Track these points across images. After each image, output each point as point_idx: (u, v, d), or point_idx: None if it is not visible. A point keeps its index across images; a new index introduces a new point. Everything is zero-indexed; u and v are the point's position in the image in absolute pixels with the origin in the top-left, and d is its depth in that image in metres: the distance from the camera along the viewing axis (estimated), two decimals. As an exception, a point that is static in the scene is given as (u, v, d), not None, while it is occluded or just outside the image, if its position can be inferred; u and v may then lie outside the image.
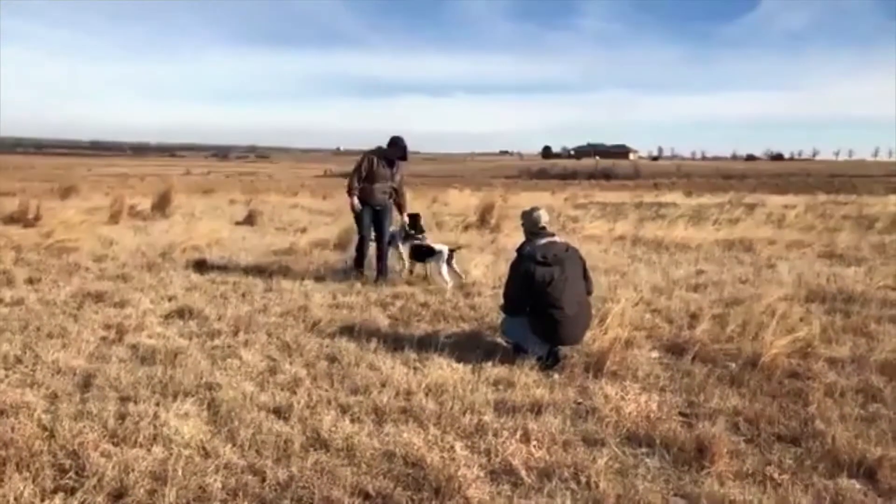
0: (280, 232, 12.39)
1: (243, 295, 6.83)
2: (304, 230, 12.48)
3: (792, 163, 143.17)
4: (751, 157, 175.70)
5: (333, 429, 3.59)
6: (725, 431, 3.61)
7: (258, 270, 8.02)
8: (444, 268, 7.21)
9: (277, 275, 7.69)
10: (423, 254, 7.56)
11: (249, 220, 13.67)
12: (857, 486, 3.10)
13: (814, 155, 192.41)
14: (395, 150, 7.64)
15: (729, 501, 2.92)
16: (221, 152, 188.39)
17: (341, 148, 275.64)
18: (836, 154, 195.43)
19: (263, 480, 3.06)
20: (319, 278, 7.63)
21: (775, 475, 3.18)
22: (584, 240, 11.03)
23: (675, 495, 3.03)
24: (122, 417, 3.63)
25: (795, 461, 3.34)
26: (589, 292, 5.04)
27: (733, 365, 4.72)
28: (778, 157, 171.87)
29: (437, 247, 7.44)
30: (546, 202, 21.00)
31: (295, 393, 4.08)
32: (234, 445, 3.39)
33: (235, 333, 5.39)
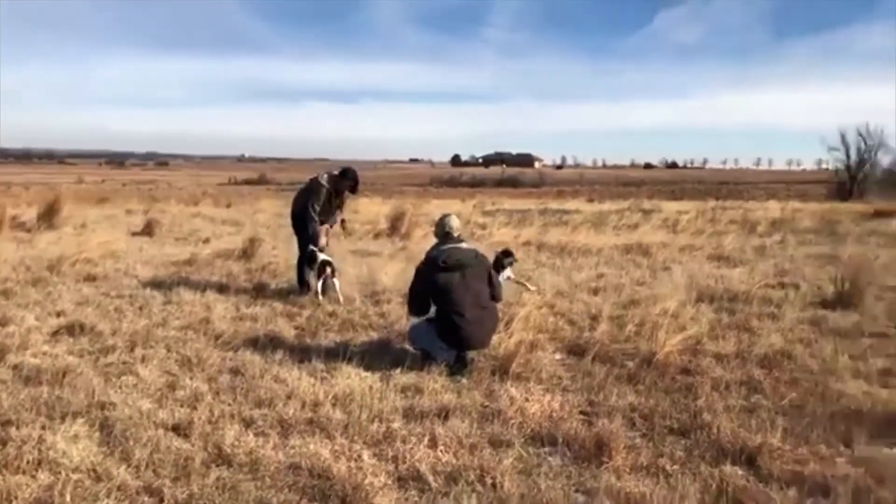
0: (180, 242, 11.91)
1: (140, 308, 6.52)
2: (206, 240, 12.06)
3: (686, 171, 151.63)
4: (648, 166, 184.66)
5: (236, 443, 3.49)
6: (622, 427, 3.78)
7: (157, 283, 7.68)
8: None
9: (177, 287, 7.39)
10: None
11: (147, 230, 13.06)
12: (740, 472, 3.31)
13: (704, 163, 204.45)
14: (347, 183, 7.40)
15: (625, 494, 3.06)
16: (117, 159, 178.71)
17: (246, 155, 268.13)
18: (724, 163, 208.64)
19: (161, 500, 2.94)
20: (223, 289, 7.40)
21: (667, 466, 3.36)
22: (492, 246, 11.24)
23: (576, 491, 3.15)
24: (2, 443, 3.38)
25: (685, 452, 3.54)
26: (494, 297, 5.14)
27: (630, 364, 4.95)
28: (673, 166, 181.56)
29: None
30: (456, 209, 21.25)
31: (196, 408, 3.93)
32: (128, 466, 3.23)
33: (131, 349, 5.14)
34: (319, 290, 6.96)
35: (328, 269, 6.97)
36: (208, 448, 3.45)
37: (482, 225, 15.91)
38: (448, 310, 4.80)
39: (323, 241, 7.44)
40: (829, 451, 3.53)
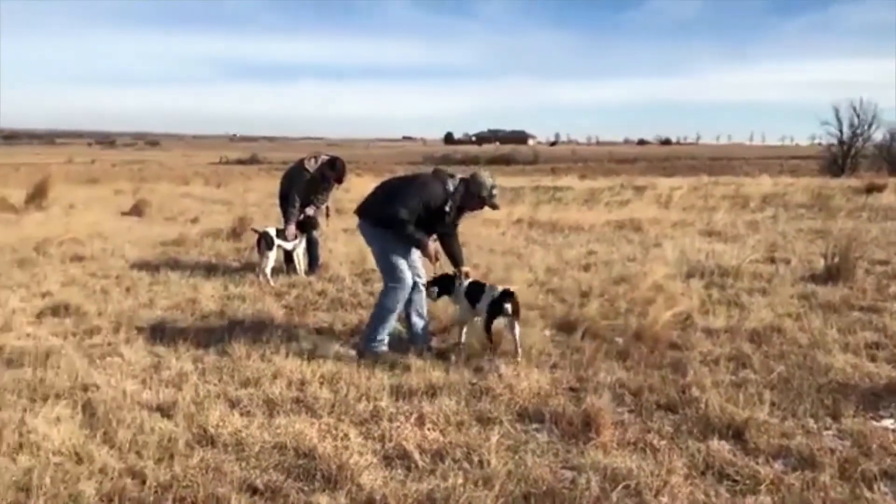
0: (169, 222, 11.81)
1: (127, 289, 6.46)
2: (195, 220, 11.96)
3: (679, 147, 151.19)
4: (642, 142, 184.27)
5: (221, 424, 3.46)
6: (611, 403, 3.76)
7: (144, 263, 7.61)
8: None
9: (165, 267, 7.33)
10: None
11: (136, 210, 12.94)
12: (727, 446, 3.31)
13: (697, 139, 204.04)
14: (332, 174, 7.26)
15: (612, 470, 3.04)
16: (107, 139, 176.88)
17: (237, 134, 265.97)
18: (717, 138, 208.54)
19: (143, 482, 2.91)
20: (211, 269, 7.34)
21: (654, 442, 3.35)
22: (484, 223, 11.19)
23: (563, 468, 3.13)
24: (-18, 426, 3.34)
25: (673, 427, 3.53)
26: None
27: (620, 340, 4.92)
28: (666, 142, 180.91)
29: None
30: (447, 187, 21.14)
31: (181, 389, 3.90)
32: (111, 448, 3.20)
33: (117, 330, 5.09)
34: (268, 273, 6.79)
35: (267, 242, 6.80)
36: (193, 429, 3.42)
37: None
38: None
39: (322, 221, 7.51)
40: (816, 425, 3.53)
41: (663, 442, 3.35)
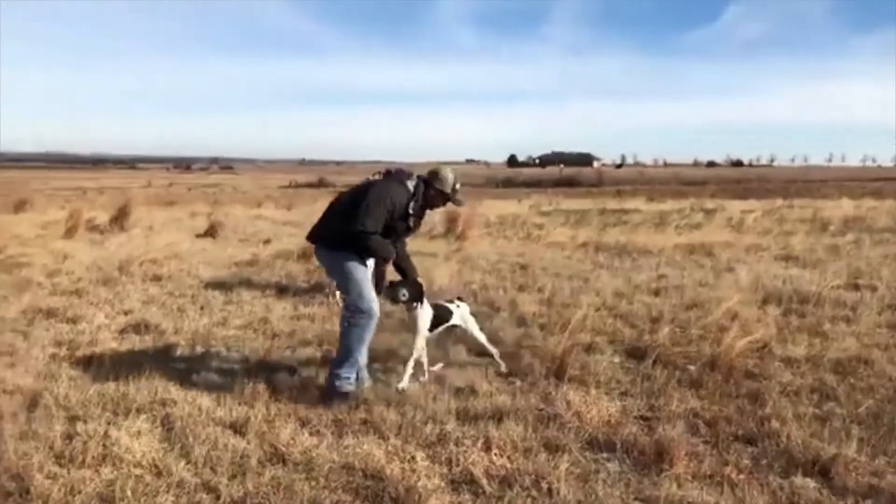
0: (242, 244, 12.20)
1: (202, 308, 6.70)
2: (267, 241, 12.32)
3: (751, 169, 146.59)
4: (711, 164, 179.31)
5: (291, 442, 3.52)
6: (684, 434, 3.64)
7: (218, 283, 7.88)
8: None
9: (238, 287, 7.57)
10: None
11: (211, 232, 13.43)
12: (812, 484, 3.14)
13: (771, 161, 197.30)
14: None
15: (687, 503, 2.93)
16: (184, 164, 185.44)
17: (306, 158, 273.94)
18: (793, 160, 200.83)
19: (218, 498, 2.98)
20: (282, 289, 7.53)
21: (732, 475, 3.21)
22: (549, 247, 11.10)
23: (636, 500, 3.04)
24: (69, 437, 3.50)
25: (752, 461, 3.38)
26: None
27: (693, 367, 4.77)
28: (738, 164, 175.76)
29: None
30: (512, 210, 21.13)
31: (253, 407, 3.98)
32: (187, 463, 3.30)
33: (192, 347, 5.28)
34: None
35: None
36: (264, 446, 3.49)
37: (539, 225, 15.74)
38: None
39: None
40: (910, 464, 3.31)
41: (742, 476, 3.20)
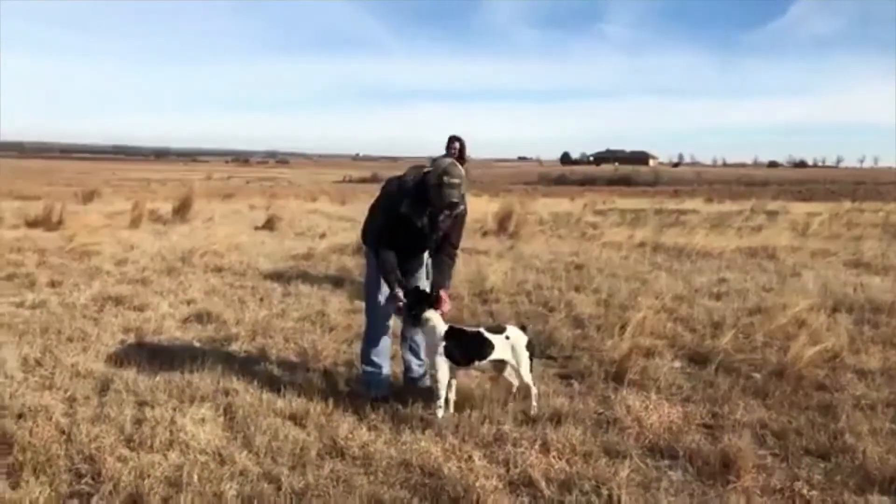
0: (299, 237, 12.41)
1: (261, 299, 6.83)
2: (323, 235, 12.50)
3: (815, 170, 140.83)
4: (773, 164, 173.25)
5: (350, 436, 3.55)
6: (751, 444, 3.50)
7: (277, 275, 8.03)
8: None
9: (296, 279, 7.69)
10: None
11: (269, 225, 13.73)
12: (889, 502, 2.98)
13: (838, 162, 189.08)
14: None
15: (756, 518, 2.83)
16: (242, 157, 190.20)
17: (360, 154, 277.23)
18: (861, 161, 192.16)
19: (279, 489, 3.02)
20: (337, 282, 7.62)
21: (804, 491, 3.08)
22: (604, 246, 10.91)
23: (700, 510, 2.95)
24: (138, 422, 3.62)
25: (825, 476, 3.23)
26: None
27: (758, 375, 4.61)
28: (801, 165, 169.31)
29: None
30: (565, 208, 20.90)
31: (312, 399, 4.03)
32: (249, 452, 3.36)
33: (253, 338, 5.39)
34: None
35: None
36: (323, 439, 3.53)
37: (593, 224, 15.52)
38: None
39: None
40: None
41: (814, 492, 3.07)
